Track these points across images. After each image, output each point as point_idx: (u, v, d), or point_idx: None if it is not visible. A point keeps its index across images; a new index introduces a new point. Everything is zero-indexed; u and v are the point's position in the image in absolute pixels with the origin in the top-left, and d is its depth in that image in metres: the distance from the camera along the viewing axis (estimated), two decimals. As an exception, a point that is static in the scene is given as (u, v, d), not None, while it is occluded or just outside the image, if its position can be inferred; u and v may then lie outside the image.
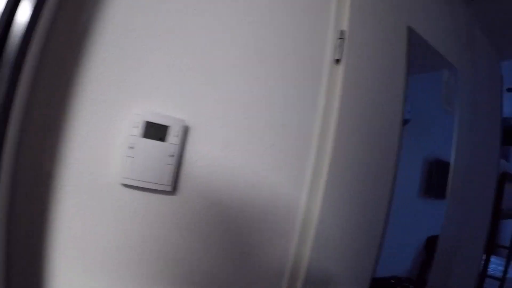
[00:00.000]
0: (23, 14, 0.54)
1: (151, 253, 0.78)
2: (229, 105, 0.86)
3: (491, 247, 2.15)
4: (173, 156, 0.78)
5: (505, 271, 3.11)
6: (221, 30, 0.84)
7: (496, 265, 3.54)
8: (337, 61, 0.97)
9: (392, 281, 1.61)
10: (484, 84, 2.02)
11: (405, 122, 1.61)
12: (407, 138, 1.65)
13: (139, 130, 0.74)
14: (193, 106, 0.82)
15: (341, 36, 0.98)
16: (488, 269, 4.35)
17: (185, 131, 0.81)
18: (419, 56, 1.40)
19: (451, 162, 1.57)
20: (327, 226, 0.99)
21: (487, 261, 2.28)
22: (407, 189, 1.65)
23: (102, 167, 0.72)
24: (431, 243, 1.66)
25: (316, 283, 0.98)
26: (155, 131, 0.76)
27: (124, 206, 0.75)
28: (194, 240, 0.83)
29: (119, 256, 0.74)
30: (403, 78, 1.16)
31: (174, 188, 0.80)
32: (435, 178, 1.69)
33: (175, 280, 0.81)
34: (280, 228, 0.96)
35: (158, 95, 0.78)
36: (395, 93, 1.15)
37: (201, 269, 0.84)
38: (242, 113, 0.88)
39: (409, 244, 1.67)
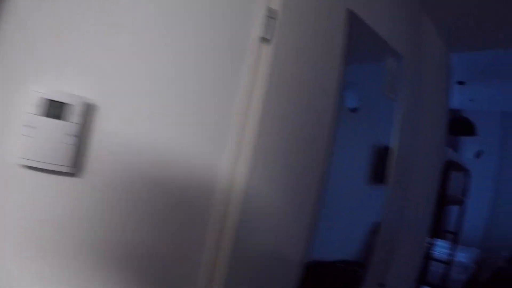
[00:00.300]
0: None
1: (52, 236, 0.72)
2: (139, 81, 0.81)
3: (437, 231, 2.20)
4: (75, 136, 0.72)
5: (451, 255, 3.24)
6: (129, 2, 0.78)
7: (445, 249, 3.68)
8: (265, 40, 0.94)
9: (341, 265, 1.63)
10: (431, 74, 2.06)
11: (353, 110, 1.61)
12: (355, 126, 1.65)
13: (38, 108, 0.68)
14: (100, 83, 0.76)
15: (271, 15, 0.94)
16: (435, 253, 4.55)
17: (89, 109, 0.74)
18: (363, 42, 1.39)
19: (392, 148, 1.59)
20: (253, 205, 0.96)
21: (432, 245, 2.34)
22: (355, 176, 1.67)
23: (-2, 147, 0.66)
24: (376, 228, 1.69)
25: (240, 266, 0.96)
26: (55, 109, 0.69)
27: (23, 188, 0.69)
28: (103, 221, 0.78)
29: (20, 238, 0.69)
30: (339, 62, 1.14)
31: (78, 168, 0.74)
32: (381, 165, 1.71)
33: (82, 262, 0.76)
34: (201, 205, 0.93)
35: (61, 72, 0.71)
36: (330, 76, 1.13)
37: (110, 253, 0.80)
38: (153, 90, 0.83)
39: (358, 229, 1.70)
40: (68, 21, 0.71)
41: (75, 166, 0.74)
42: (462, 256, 4.83)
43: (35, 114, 0.68)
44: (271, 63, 0.92)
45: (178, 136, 0.87)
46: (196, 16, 0.87)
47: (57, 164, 0.71)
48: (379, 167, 1.68)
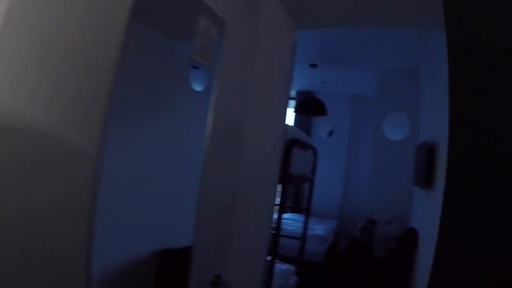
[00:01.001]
0: None
1: None
2: None
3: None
4: None
5: (305, 229, 3.37)
6: None
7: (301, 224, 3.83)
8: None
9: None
10: (272, 47, 1.99)
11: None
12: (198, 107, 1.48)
13: None
14: None
15: None
16: (293, 228, 4.81)
17: None
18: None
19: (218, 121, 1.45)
20: None
21: (279, 221, 2.33)
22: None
23: None
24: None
25: None
26: None
27: None
28: None
29: None
30: (121, 29, 0.92)
31: None
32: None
33: None
34: None
35: None
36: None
37: None
38: None
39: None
40: None
41: None
42: (321, 229, 5.18)
43: None
44: None
45: None
46: None
47: None
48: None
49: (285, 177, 2.27)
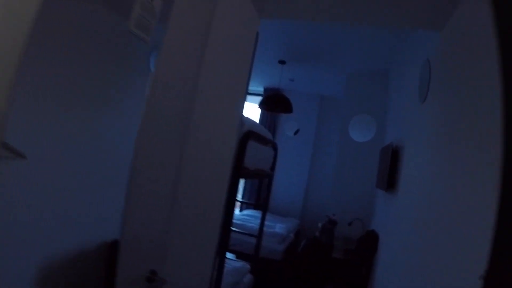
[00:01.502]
0: None
1: None
2: None
3: (232, 203, 2.10)
4: None
5: (261, 225, 3.30)
6: None
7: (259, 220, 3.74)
8: None
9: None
10: (229, 33, 1.88)
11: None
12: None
13: None
14: None
15: None
16: (252, 225, 4.73)
17: None
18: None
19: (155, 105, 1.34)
20: None
21: (230, 215, 2.24)
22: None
23: None
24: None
25: None
26: None
27: None
28: None
29: None
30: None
31: None
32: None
33: None
34: None
35: None
36: None
37: None
38: None
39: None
40: None
41: None
42: (281, 227, 5.13)
43: None
44: None
45: None
46: None
47: None
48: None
49: (238, 170, 2.18)
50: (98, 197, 1.98)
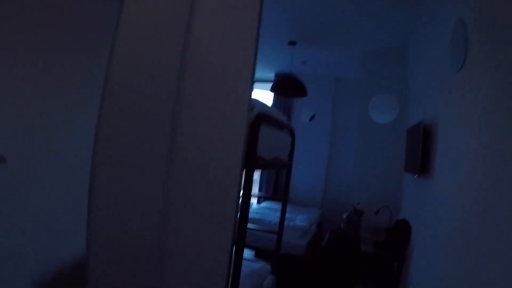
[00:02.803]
0: None
1: None
2: None
3: (247, 198, 1.80)
4: None
5: (281, 222, 2.98)
6: None
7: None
8: None
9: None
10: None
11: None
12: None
13: None
14: None
15: None
16: (263, 219, 4.43)
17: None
18: None
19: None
20: None
21: (246, 212, 1.95)
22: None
23: None
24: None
25: None
26: None
27: None
28: None
29: None
30: None
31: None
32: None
33: None
34: None
35: None
36: None
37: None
38: None
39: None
40: None
41: None
42: (302, 219, 4.82)
43: None
44: None
45: None
46: None
47: None
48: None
49: (251, 161, 1.86)
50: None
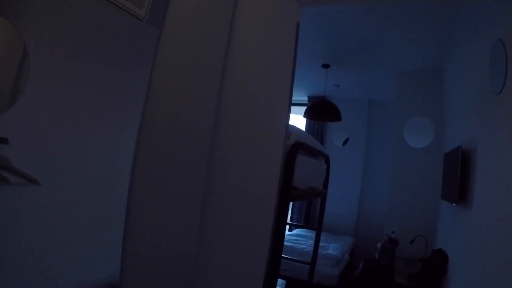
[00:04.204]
0: None
1: None
2: None
3: (281, 229, 1.73)
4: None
5: (314, 253, 2.85)
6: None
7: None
8: None
9: None
10: (261, 18, 1.52)
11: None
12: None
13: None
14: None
15: None
16: (295, 246, 4.27)
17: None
18: None
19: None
20: None
21: (280, 243, 1.86)
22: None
23: None
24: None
25: None
26: None
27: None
28: None
29: None
30: None
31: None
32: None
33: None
34: None
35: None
36: None
37: None
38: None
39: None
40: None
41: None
42: (335, 248, 4.63)
43: None
44: None
45: None
46: None
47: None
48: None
49: (286, 192, 1.78)
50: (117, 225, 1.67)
